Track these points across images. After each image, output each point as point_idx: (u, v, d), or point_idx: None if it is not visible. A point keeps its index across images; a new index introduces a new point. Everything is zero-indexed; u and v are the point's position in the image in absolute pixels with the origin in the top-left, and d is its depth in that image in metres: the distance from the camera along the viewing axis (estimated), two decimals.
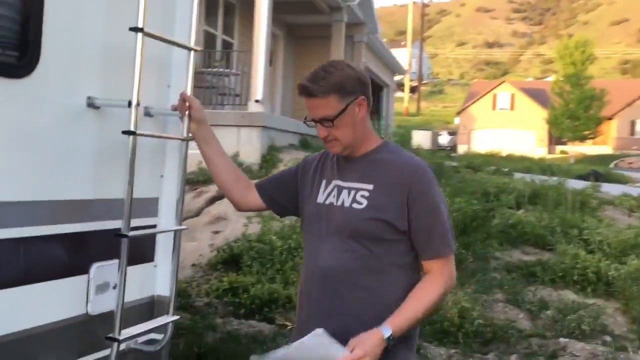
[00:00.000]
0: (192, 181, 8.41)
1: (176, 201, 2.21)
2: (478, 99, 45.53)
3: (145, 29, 1.92)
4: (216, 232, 6.84)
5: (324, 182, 1.97)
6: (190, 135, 2.15)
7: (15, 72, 1.68)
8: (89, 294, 2.00)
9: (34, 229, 1.77)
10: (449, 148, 39.08)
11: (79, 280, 1.97)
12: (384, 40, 19.55)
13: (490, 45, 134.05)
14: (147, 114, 2.18)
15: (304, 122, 1.94)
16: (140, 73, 1.89)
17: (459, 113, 47.65)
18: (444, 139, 42.45)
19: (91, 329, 2.01)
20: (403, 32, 71.69)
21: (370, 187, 1.85)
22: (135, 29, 1.87)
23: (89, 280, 1.99)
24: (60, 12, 1.79)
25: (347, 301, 1.84)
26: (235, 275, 5.61)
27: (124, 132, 1.88)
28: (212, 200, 7.62)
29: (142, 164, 2.18)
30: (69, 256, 1.92)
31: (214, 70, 10.13)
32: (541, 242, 6.53)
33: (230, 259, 5.97)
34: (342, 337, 1.78)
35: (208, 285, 5.63)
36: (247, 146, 8.84)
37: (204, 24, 10.99)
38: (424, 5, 54.48)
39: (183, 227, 2.22)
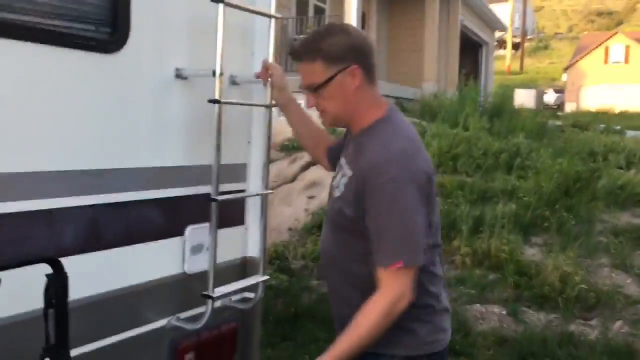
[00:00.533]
0: (288, 147, 8.60)
1: (262, 166, 2.29)
2: (588, 53, 42.56)
3: (226, 0, 1.98)
4: (311, 197, 6.98)
5: (339, 158, 1.91)
6: (273, 102, 2.22)
7: (107, 47, 1.79)
8: (185, 254, 2.13)
9: (132, 194, 1.91)
10: (555, 107, 37.08)
11: (175, 242, 2.10)
12: None
13: None
14: (233, 82, 2.25)
15: (298, 89, 1.81)
16: (223, 43, 1.95)
17: (566, 69, 44.86)
18: (550, 97, 40.28)
19: (189, 287, 2.14)
20: None
21: (349, 173, 1.74)
22: (217, 0, 1.92)
23: (184, 242, 2.12)
24: None
25: (339, 285, 1.84)
26: None
27: (210, 101, 1.96)
28: (306, 166, 7.77)
29: (230, 131, 2.26)
30: (166, 219, 2.05)
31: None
32: None
33: None
34: (339, 320, 1.80)
35: (304, 249, 5.80)
36: None
37: None
38: None
39: (270, 191, 2.30)
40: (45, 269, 1.42)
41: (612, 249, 5.30)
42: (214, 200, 1.99)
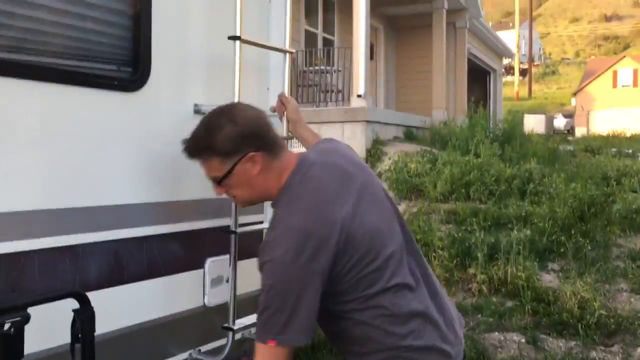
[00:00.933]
0: None
1: None
2: (596, 77, 42.63)
3: (243, 37, 2.04)
4: None
5: None
6: (289, 134, 2.26)
7: (129, 86, 1.85)
8: (205, 287, 2.15)
9: (153, 228, 1.94)
10: (566, 132, 37.02)
11: (195, 275, 2.13)
12: (490, 23, 18.86)
13: (608, 18, 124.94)
14: None
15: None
16: (240, 78, 2.01)
17: (575, 94, 44.91)
18: (559, 122, 40.25)
19: (209, 320, 2.16)
20: (511, 13, 68.65)
21: None
22: (234, 38, 1.99)
23: (204, 274, 2.14)
24: (167, 30, 1.95)
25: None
26: None
27: None
28: None
29: None
30: (186, 252, 2.08)
31: (316, 68, 10.31)
32: None
33: None
34: None
35: None
36: (352, 141, 8.92)
37: (305, 24, 11.22)
38: None
39: None
40: (72, 304, 1.46)
41: (630, 274, 5.23)
42: (234, 232, 2.02)
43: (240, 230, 2.05)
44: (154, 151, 1.95)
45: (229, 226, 2.05)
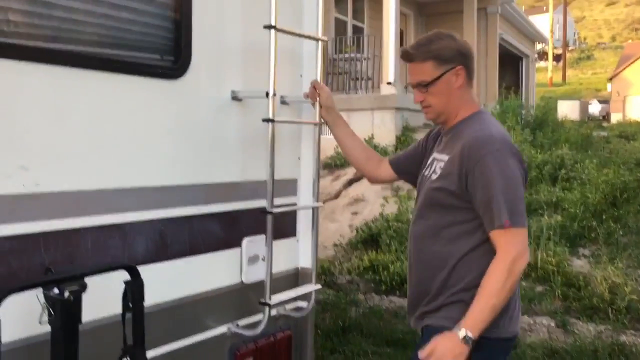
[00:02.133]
0: (330, 165, 8.74)
1: (312, 181, 2.42)
2: (633, 62, 41.51)
3: (277, 26, 2.13)
4: (355, 213, 7.09)
5: (428, 155, 2.11)
6: (321, 119, 2.35)
7: (172, 74, 1.96)
8: (242, 265, 2.26)
9: (194, 208, 2.06)
10: (601, 118, 36.22)
11: (233, 253, 2.24)
12: (523, 7, 18.57)
13: None
14: (283, 102, 2.39)
15: (405, 87, 2.03)
16: (275, 66, 2.10)
17: (610, 79, 43.85)
18: (594, 108, 39.37)
19: (246, 296, 2.27)
20: None
21: (446, 157, 1.93)
22: (269, 27, 2.08)
23: (241, 253, 2.26)
24: (206, 20, 2.05)
25: (423, 264, 1.97)
26: (375, 253, 5.80)
27: (264, 120, 2.10)
28: (349, 183, 7.89)
29: (282, 148, 2.41)
30: (224, 231, 2.19)
31: (346, 56, 10.35)
32: None
33: (369, 238, 6.19)
34: (421, 297, 1.95)
35: (349, 264, 5.88)
36: (381, 128, 8.98)
37: (335, 12, 11.25)
38: None
39: (320, 204, 2.42)
40: (124, 275, 1.58)
41: None
42: (269, 212, 2.13)
43: (275, 210, 2.14)
44: (194, 135, 2.05)
45: (264, 207, 2.15)
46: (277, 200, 2.38)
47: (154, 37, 1.96)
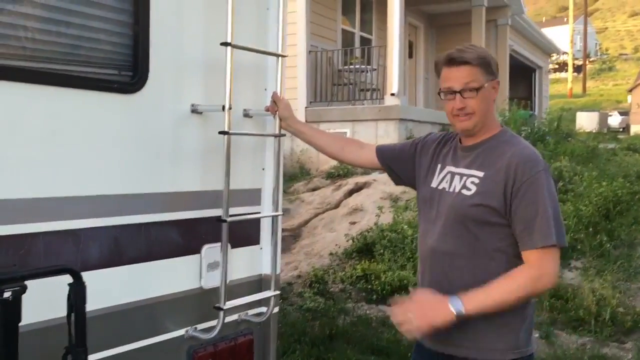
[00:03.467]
0: (333, 175, 8.83)
1: (273, 190, 2.51)
2: None
3: (237, 42, 2.23)
4: (353, 223, 7.15)
5: (439, 166, 2.10)
6: (282, 132, 2.45)
7: (129, 88, 2.07)
8: (202, 270, 2.36)
9: (151, 216, 2.16)
10: (621, 129, 35.76)
11: (192, 259, 2.33)
12: (544, 18, 18.48)
13: None
14: (246, 115, 2.49)
15: (438, 94, 2.03)
16: (231, 81, 2.20)
17: (631, 90, 43.34)
18: (614, 119, 38.87)
19: (206, 301, 2.36)
20: (566, 8, 66.72)
21: (481, 174, 1.93)
22: (225, 44, 2.18)
23: (201, 259, 2.35)
24: (164, 36, 2.15)
25: (452, 283, 1.94)
26: (368, 263, 5.87)
27: (220, 133, 2.20)
28: (350, 193, 7.96)
29: (245, 159, 2.51)
30: (183, 239, 2.29)
31: (352, 67, 10.46)
32: None
33: (364, 248, 6.25)
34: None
35: (343, 273, 5.95)
36: (385, 139, 9.04)
37: (341, 23, 11.37)
38: None
39: (279, 213, 2.51)
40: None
41: None
42: (224, 221, 2.22)
43: (230, 219, 2.24)
44: (152, 147, 2.15)
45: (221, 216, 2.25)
46: (241, 209, 2.48)
47: (112, 53, 2.07)
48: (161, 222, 2.20)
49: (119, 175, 2.05)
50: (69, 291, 1.68)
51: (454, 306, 1.80)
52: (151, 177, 2.16)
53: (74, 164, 1.92)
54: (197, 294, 2.35)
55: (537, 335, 4.46)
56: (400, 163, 2.26)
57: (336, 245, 6.53)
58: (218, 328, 2.25)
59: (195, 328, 2.32)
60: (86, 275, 1.72)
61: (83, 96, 1.93)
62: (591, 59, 73.57)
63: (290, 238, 7.22)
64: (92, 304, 1.83)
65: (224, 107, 2.21)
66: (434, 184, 2.07)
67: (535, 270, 1.81)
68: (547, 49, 20.06)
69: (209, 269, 2.38)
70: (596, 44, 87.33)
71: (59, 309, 1.73)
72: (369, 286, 5.55)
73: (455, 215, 1.94)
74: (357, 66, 10.47)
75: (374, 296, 5.44)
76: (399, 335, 4.71)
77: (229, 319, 2.38)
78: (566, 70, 55.00)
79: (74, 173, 1.92)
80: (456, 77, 1.92)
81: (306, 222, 7.51)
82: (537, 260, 1.81)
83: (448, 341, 1.95)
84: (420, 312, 1.82)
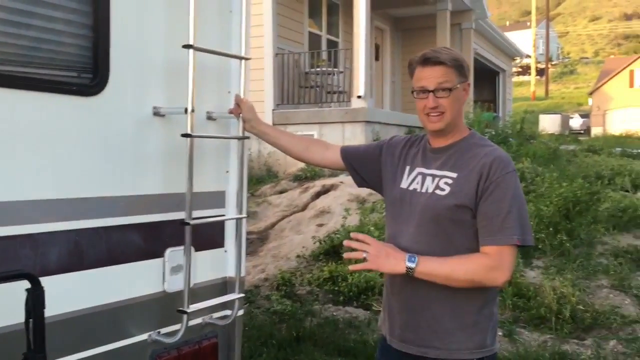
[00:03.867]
0: (300, 177, 8.84)
1: (237, 193, 2.51)
2: (612, 77, 42.19)
3: (200, 44, 2.23)
4: (320, 225, 7.17)
5: (407, 168, 2.12)
6: (245, 134, 2.46)
7: (89, 91, 2.04)
8: (165, 274, 2.34)
9: (112, 220, 2.13)
10: (582, 131, 36.69)
11: (156, 263, 2.31)
12: (508, 22, 18.83)
13: (628, 17, 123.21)
14: (210, 118, 2.48)
15: (412, 92, 2.04)
16: (194, 84, 2.20)
17: (591, 93, 44.52)
18: (576, 122, 39.88)
19: (169, 305, 2.34)
20: (529, 13, 68.14)
21: (454, 175, 1.97)
22: (187, 46, 2.18)
23: (164, 263, 2.33)
24: (125, 38, 2.14)
25: (424, 283, 1.95)
26: (335, 265, 5.89)
27: (182, 135, 2.20)
28: (317, 195, 7.98)
29: (208, 161, 2.51)
30: (146, 242, 2.27)
31: (319, 69, 10.49)
32: None
33: (331, 250, 6.28)
34: (421, 314, 1.98)
35: (310, 275, 5.96)
36: (352, 141, 9.09)
37: (308, 26, 11.40)
38: None
39: (243, 215, 2.51)
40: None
41: (611, 270, 5.34)
42: (187, 224, 2.21)
43: (193, 222, 2.23)
44: (113, 149, 2.13)
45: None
46: (205, 212, 2.47)
47: (71, 55, 2.04)
48: (123, 226, 2.18)
49: (79, 179, 2.02)
50: (27, 297, 1.65)
51: (409, 262, 1.87)
52: (112, 180, 2.14)
53: (31, 167, 1.89)
54: (160, 298, 2.33)
55: (500, 333, 4.54)
56: (365, 165, 2.28)
57: (303, 247, 6.54)
58: (181, 332, 2.24)
59: (159, 332, 2.30)
60: (45, 280, 1.70)
61: (41, 99, 1.90)
62: (553, 63, 75.26)
63: (258, 241, 7.20)
64: (52, 309, 1.81)
65: (186, 110, 2.20)
66: (403, 185, 2.09)
67: (491, 262, 1.87)
68: (511, 52, 20.46)
69: (173, 272, 2.36)
70: (558, 47, 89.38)
71: (17, 315, 1.70)
72: (336, 288, 5.57)
73: (429, 216, 1.97)
74: (324, 69, 10.51)
75: (341, 298, 5.46)
76: (366, 336, 4.76)
77: (193, 322, 2.37)
78: (529, 74, 56.16)
79: (31, 176, 1.89)
80: (430, 76, 1.95)
81: (273, 224, 7.50)
82: (495, 254, 1.87)
83: (418, 342, 1.99)
84: (375, 254, 1.89)
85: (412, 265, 1.86)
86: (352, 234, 2.01)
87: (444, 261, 1.89)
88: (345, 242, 2.02)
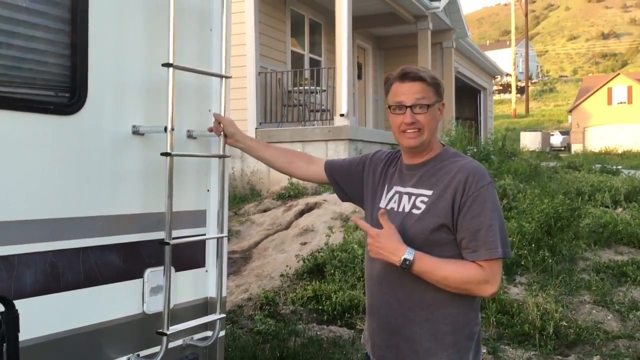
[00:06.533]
0: (284, 196, 8.81)
1: (218, 212, 2.48)
2: (591, 95, 42.94)
3: (180, 63, 2.22)
4: (304, 244, 7.13)
5: (386, 187, 2.11)
6: (227, 152, 2.44)
7: (67, 110, 2.02)
8: (145, 295, 2.30)
9: (90, 240, 2.10)
10: (562, 148, 37.18)
11: (135, 284, 2.28)
12: (488, 42, 19.11)
13: (605, 36, 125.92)
14: (190, 136, 2.47)
15: (388, 107, 2.04)
16: (173, 102, 2.18)
17: (570, 111, 45.20)
18: (556, 139, 40.43)
19: (149, 326, 2.30)
20: (509, 32, 69.24)
21: (430, 192, 1.95)
22: (167, 65, 2.17)
23: (143, 284, 2.30)
24: (104, 58, 2.12)
25: (401, 302, 1.96)
26: (319, 283, 5.85)
27: (162, 154, 2.17)
28: (300, 213, 7.95)
29: (189, 180, 2.48)
30: (125, 263, 2.23)
31: (302, 88, 10.53)
32: (636, 242, 6.20)
33: (315, 268, 6.23)
34: (400, 334, 1.96)
35: (294, 294, 5.91)
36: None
37: (290, 45, 11.46)
38: (527, 2, 52.25)
39: (224, 235, 2.48)
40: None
41: (593, 286, 5.37)
42: (167, 243, 2.18)
43: (173, 242, 2.20)
44: (91, 169, 2.10)
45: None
46: (185, 232, 2.44)
47: (48, 74, 2.02)
48: (101, 246, 2.14)
49: (55, 199, 1.99)
50: (0, 320, 1.61)
51: (407, 254, 1.85)
52: (90, 200, 2.11)
53: (7, 187, 1.85)
54: (140, 320, 2.29)
55: (484, 350, 4.53)
56: (348, 180, 2.28)
57: (287, 266, 6.49)
58: (161, 354, 2.20)
59: (138, 355, 2.26)
60: (20, 303, 1.66)
61: (18, 118, 1.87)
62: (533, 81, 76.47)
63: (241, 260, 7.14)
64: (27, 332, 1.77)
65: (166, 128, 2.18)
66: (382, 204, 2.08)
67: (485, 275, 1.85)
68: (491, 71, 20.74)
69: (152, 293, 2.33)
70: (537, 66, 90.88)
71: None
72: (320, 307, 5.52)
73: (407, 237, 1.94)
74: (307, 87, 10.54)
75: (325, 317, 5.41)
76: (350, 355, 4.71)
77: (173, 344, 2.33)
78: (510, 92, 56.98)
79: (7, 197, 1.85)
80: (408, 91, 1.94)
81: (257, 243, 7.44)
82: (487, 267, 1.85)
83: None
84: (376, 239, 1.89)
85: (410, 259, 1.85)
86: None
87: (440, 263, 1.88)
88: (354, 218, 2.04)
